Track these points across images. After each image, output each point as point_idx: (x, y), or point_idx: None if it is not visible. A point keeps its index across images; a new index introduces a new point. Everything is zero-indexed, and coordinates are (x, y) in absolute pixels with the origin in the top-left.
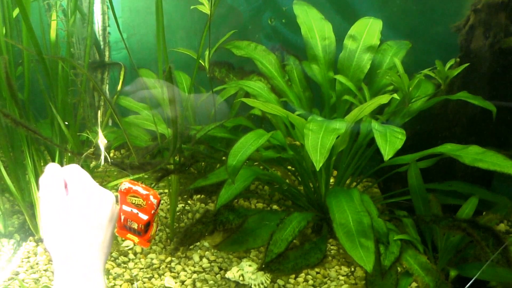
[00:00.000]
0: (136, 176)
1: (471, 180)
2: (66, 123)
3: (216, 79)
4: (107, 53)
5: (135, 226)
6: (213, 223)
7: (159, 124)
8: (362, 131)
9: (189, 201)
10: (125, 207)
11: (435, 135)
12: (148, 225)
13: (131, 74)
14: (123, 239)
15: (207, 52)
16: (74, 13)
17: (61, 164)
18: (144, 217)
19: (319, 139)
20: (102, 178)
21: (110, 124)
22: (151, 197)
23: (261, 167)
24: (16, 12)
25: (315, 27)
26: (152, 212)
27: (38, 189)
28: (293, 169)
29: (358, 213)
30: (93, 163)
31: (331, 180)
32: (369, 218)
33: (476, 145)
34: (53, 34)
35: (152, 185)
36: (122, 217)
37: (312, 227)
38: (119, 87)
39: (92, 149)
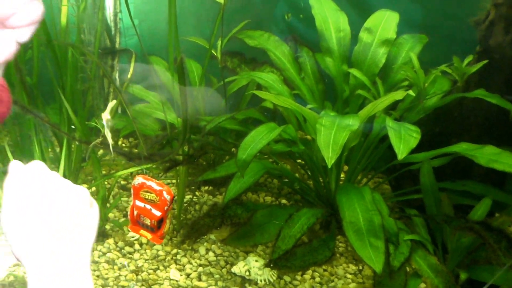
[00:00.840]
0: (144, 166)
1: (485, 179)
2: (73, 126)
3: (228, 69)
4: (118, 39)
5: (147, 222)
6: (220, 217)
7: (169, 113)
8: (375, 127)
9: (197, 193)
10: (138, 203)
11: (449, 133)
12: (161, 221)
13: (142, 61)
14: (129, 229)
15: (219, 42)
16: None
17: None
18: (157, 213)
19: (332, 135)
20: (110, 167)
21: (119, 112)
22: (165, 193)
23: (271, 160)
24: None
25: (330, 19)
26: (165, 208)
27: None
28: (303, 162)
29: (369, 211)
30: (101, 151)
31: (342, 175)
32: (379, 217)
33: (492, 146)
34: (63, 20)
35: (160, 175)
36: (135, 213)
37: (320, 223)
38: (129, 75)
39: (100, 139)
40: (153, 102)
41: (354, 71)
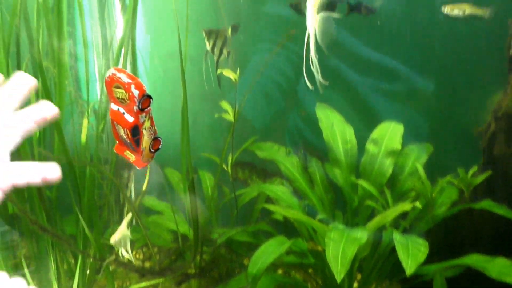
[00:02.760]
0: (158, 280)
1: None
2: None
3: (239, 180)
4: None
5: (122, 132)
6: None
7: (181, 224)
8: (385, 238)
9: None
10: (113, 106)
11: (460, 242)
12: (136, 131)
13: (156, 173)
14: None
15: (230, 157)
16: (105, 118)
17: None
18: (130, 118)
19: (340, 249)
20: (123, 280)
21: (133, 223)
22: (133, 87)
23: (283, 269)
24: None
25: (337, 131)
26: (135, 108)
27: None
28: (315, 273)
29: None
30: (113, 266)
31: (355, 285)
32: None
33: (503, 257)
34: (83, 137)
35: None
36: (111, 120)
37: None
38: (144, 187)
39: (113, 257)
40: (165, 212)
41: (362, 182)
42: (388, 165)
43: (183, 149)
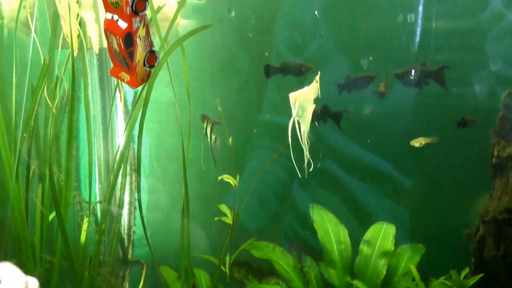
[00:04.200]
0: None
1: None
2: None
3: (235, 279)
4: (130, 250)
5: (115, 45)
6: None
7: None
8: None
9: None
10: (107, 15)
11: None
12: (129, 42)
13: (152, 271)
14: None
15: (227, 258)
16: (105, 220)
17: None
18: (123, 25)
19: None
20: None
21: None
22: None
23: None
24: (52, 215)
25: (331, 232)
26: (128, 10)
27: None
28: None
29: None
30: None
31: None
32: None
33: None
34: (83, 239)
35: None
36: (105, 31)
37: None
38: (140, 285)
39: None
40: None
41: (357, 283)
42: (382, 266)
43: (182, 250)
